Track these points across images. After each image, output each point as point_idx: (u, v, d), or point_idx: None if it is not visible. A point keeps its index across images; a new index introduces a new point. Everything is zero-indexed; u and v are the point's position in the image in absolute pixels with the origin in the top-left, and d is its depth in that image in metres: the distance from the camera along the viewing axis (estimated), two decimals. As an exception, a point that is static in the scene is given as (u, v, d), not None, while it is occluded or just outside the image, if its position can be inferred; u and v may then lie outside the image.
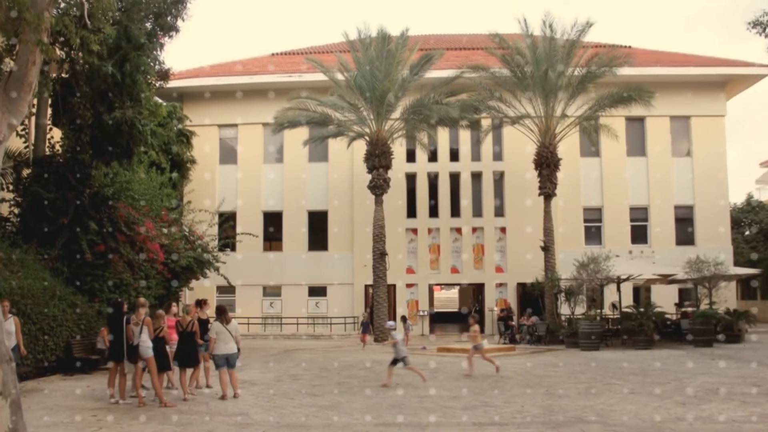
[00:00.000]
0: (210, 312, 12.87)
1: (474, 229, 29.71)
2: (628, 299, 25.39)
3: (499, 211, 29.78)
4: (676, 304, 26.84)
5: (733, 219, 32.56)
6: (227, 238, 25.82)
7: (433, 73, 26.07)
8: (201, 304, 12.35)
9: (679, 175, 29.80)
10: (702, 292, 22.83)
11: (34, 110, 16.59)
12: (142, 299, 11.14)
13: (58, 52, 13.44)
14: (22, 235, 15.68)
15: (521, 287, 28.41)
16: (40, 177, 15.81)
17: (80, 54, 13.82)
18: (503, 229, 29.64)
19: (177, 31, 16.09)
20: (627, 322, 20.59)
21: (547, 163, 25.24)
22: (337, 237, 29.71)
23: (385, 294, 25.28)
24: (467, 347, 14.80)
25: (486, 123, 27.49)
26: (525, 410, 9.55)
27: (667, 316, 23.27)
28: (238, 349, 10.83)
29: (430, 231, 29.82)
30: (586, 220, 29.81)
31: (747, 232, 35.09)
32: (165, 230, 18.90)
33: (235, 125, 30.68)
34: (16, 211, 16.46)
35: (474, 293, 35.63)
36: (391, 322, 14.42)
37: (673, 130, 30.12)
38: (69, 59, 14.40)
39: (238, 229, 27.42)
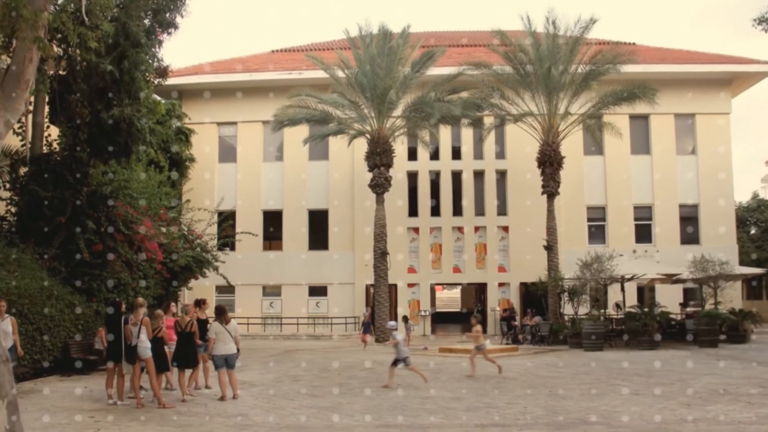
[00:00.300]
0: (209, 312, 12.75)
1: (476, 229, 29.56)
2: (632, 299, 25.28)
3: (502, 210, 29.61)
4: (680, 304, 26.68)
5: (739, 218, 32.32)
6: (226, 238, 25.65)
7: (435, 71, 25.92)
8: (200, 304, 12.25)
9: (684, 173, 29.54)
10: (707, 292, 22.66)
11: (31, 108, 16.51)
12: (140, 299, 11.06)
13: (55, 49, 13.36)
14: (19, 234, 15.55)
15: (524, 287, 28.25)
16: (38, 175, 15.67)
17: (78, 51, 13.72)
18: (506, 228, 29.49)
19: (176, 28, 16.00)
20: (631, 323, 20.42)
21: (550, 162, 25.07)
22: (338, 236, 29.56)
23: (386, 294, 25.15)
24: (469, 348, 14.68)
25: (488, 121, 27.31)
26: (527, 411, 9.46)
27: (672, 316, 23.13)
28: (238, 350, 10.75)
29: (431, 230, 29.65)
30: (589, 219, 29.61)
31: (753, 231, 34.91)
32: (164, 229, 18.78)
33: (235, 123, 30.55)
34: (13, 209, 16.33)
35: (476, 293, 35.47)
36: (392, 323, 14.34)
37: (678, 127, 29.86)
38: (67, 56, 14.30)
39: (238, 229, 27.26)
